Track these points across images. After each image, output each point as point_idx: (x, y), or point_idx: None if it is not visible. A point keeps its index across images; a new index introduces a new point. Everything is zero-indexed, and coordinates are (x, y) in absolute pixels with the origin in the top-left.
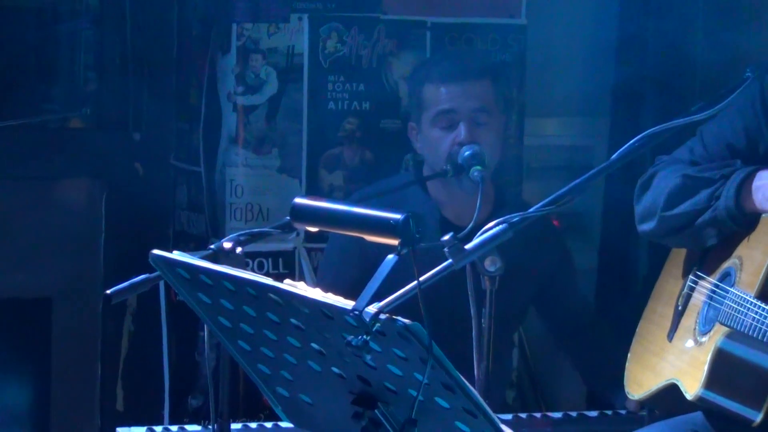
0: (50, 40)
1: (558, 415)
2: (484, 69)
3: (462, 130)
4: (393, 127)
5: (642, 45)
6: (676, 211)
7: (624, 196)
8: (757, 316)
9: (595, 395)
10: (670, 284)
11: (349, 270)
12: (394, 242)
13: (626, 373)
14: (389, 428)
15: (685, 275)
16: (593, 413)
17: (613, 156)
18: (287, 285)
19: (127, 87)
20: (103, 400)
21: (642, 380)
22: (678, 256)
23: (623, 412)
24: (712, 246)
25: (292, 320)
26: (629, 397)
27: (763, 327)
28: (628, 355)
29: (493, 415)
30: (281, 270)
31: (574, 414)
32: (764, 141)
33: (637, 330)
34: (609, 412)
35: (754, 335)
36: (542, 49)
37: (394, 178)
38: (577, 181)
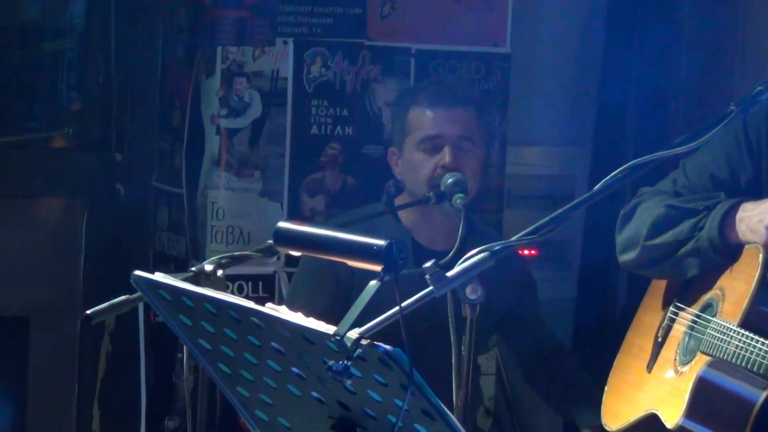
0: (34, 58)
1: None
2: (470, 97)
3: (446, 155)
4: (376, 153)
5: (625, 76)
6: (658, 240)
7: (604, 226)
8: (740, 344)
9: (570, 424)
10: (648, 317)
11: (320, 296)
12: (377, 268)
13: (603, 405)
14: None
15: (664, 307)
16: None
17: (596, 187)
18: (269, 309)
19: (110, 107)
20: (79, 420)
21: (619, 412)
22: (657, 289)
23: None
24: (693, 278)
25: (273, 344)
26: (606, 429)
27: (747, 354)
28: (605, 387)
29: None
30: (261, 293)
31: None
32: (746, 172)
33: (614, 363)
34: None
35: (738, 363)
36: (526, 78)
37: (369, 206)
38: (559, 211)
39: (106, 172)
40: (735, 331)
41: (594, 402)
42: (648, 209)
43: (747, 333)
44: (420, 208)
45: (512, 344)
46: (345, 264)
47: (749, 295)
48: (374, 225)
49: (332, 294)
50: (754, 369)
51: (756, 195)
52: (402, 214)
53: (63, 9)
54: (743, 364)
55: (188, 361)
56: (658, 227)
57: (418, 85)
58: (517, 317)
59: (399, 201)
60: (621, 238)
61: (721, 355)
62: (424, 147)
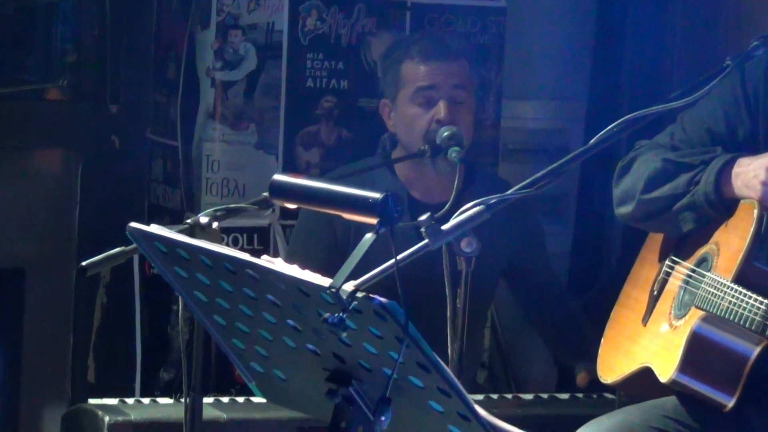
0: (28, 10)
1: (529, 396)
2: (462, 50)
3: (441, 109)
4: (371, 107)
5: (621, 30)
6: (655, 194)
7: (599, 180)
8: (733, 300)
9: (565, 372)
10: (645, 270)
11: (317, 252)
12: (373, 221)
13: (599, 357)
14: (363, 406)
15: (661, 261)
16: (564, 396)
17: (591, 141)
18: (265, 261)
19: (105, 59)
20: (74, 371)
21: (615, 365)
22: (654, 242)
23: (594, 395)
24: (689, 232)
25: (269, 296)
26: (602, 381)
27: (740, 310)
28: (602, 340)
29: (467, 396)
30: (256, 246)
31: (545, 396)
32: (744, 127)
33: (611, 315)
34: (580, 395)
35: (731, 318)
36: (521, 32)
37: (366, 159)
38: (554, 165)
39: (101, 124)
40: (728, 286)
41: (593, 351)
42: (645, 163)
43: (740, 289)
44: (415, 162)
45: (517, 288)
46: (341, 221)
47: (743, 250)
48: (370, 179)
49: (329, 250)
50: (747, 325)
51: (753, 150)
52: (397, 168)
53: None
54: (736, 320)
55: (183, 313)
56: (654, 181)
57: (409, 38)
58: (524, 263)
59: (395, 155)
60: (618, 191)
61: (714, 311)
62: (419, 100)
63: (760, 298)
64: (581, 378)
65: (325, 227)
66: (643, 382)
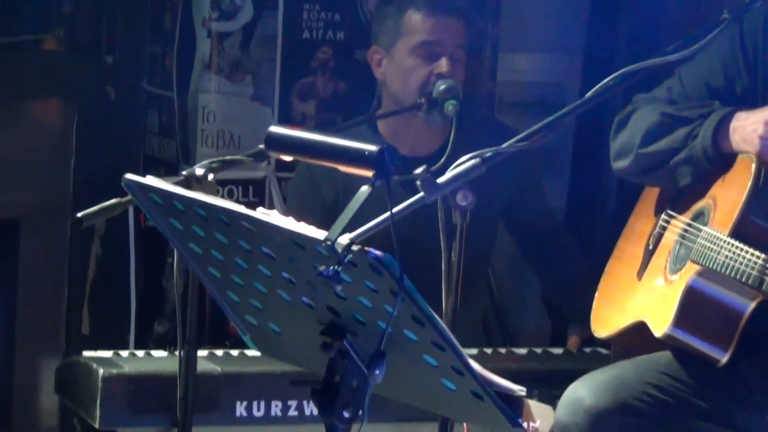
0: None
1: (523, 351)
2: (465, 8)
3: (444, 63)
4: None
5: None
6: (652, 148)
7: (594, 134)
8: (730, 254)
9: (559, 326)
10: (641, 224)
11: (308, 218)
12: (368, 173)
13: (593, 312)
14: (357, 359)
15: (656, 215)
16: (558, 350)
17: (588, 94)
18: (260, 213)
19: (101, 10)
20: (69, 323)
21: (608, 319)
22: (650, 196)
23: (588, 350)
24: (685, 186)
25: (264, 249)
26: (595, 335)
27: (736, 264)
28: (596, 294)
29: (461, 350)
30: (251, 198)
31: (538, 350)
32: (742, 81)
33: (605, 269)
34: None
35: (727, 273)
36: None
37: (355, 119)
38: (550, 118)
39: (96, 75)
40: (725, 240)
41: (587, 290)
42: (642, 116)
43: (737, 243)
44: (402, 116)
45: (514, 226)
46: (328, 185)
47: (740, 204)
48: (354, 137)
49: (319, 214)
50: (743, 279)
51: (751, 103)
52: (381, 125)
53: None
54: (732, 274)
55: (178, 265)
56: (652, 135)
57: None
58: (522, 200)
59: (381, 112)
60: (615, 145)
61: (710, 265)
62: (421, 52)
63: (757, 252)
64: (572, 342)
65: (314, 194)
66: (636, 337)
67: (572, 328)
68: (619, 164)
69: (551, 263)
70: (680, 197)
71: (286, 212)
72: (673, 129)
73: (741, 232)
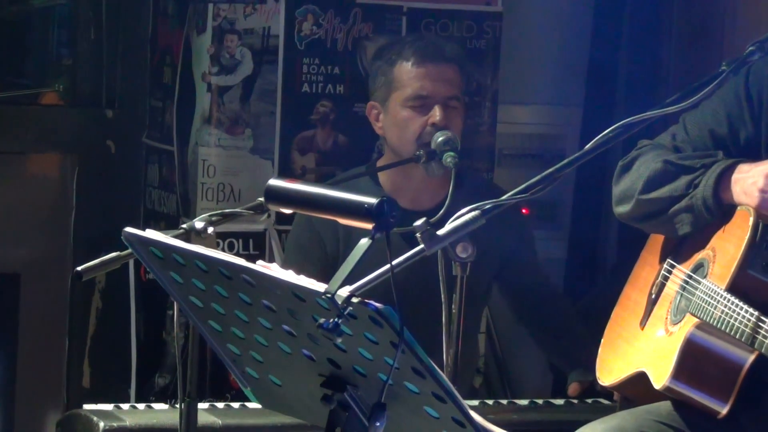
0: (24, 14)
1: (524, 402)
2: (456, 54)
3: (437, 113)
4: None
5: (616, 35)
6: (653, 195)
7: (595, 186)
8: (726, 309)
9: (560, 377)
10: (645, 271)
11: (309, 269)
12: (368, 226)
13: (598, 359)
14: (358, 411)
15: (660, 263)
16: (560, 401)
17: (587, 146)
18: (260, 266)
19: (101, 64)
20: (69, 376)
21: (612, 367)
22: (655, 244)
23: (589, 401)
24: (687, 235)
25: (264, 301)
26: (600, 383)
27: (731, 320)
28: (602, 340)
29: (462, 401)
30: (251, 251)
31: (540, 401)
32: (746, 130)
33: (611, 315)
34: (575, 401)
35: (723, 328)
36: (517, 36)
37: (354, 170)
38: (550, 170)
39: (96, 129)
40: (722, 295)
41: (585, 351)
42: (645, 163)
43: (732, 298)
44: (401, 169)
45: (509, 290)
46: (329, 235)
47: (738, 259)
48: (355, 189)
49: (321, 265)
50: (737, 336)
51: (755, 153)
52: (381, 177)
53: None
54: (727, 330)
55: (179, 318)
56: (653, 182)
57: (401, 40)
58: (514, 264)
59: (381, 163)
60: (617, 190)
61: (707, 319)
62: (414, 104)
63: (751, 310)
64: (572, 389)
65: (315, 243)
66: (638, 387)
67: (573, 374)
68: (620, 209)
69: (547, 328)
70: (682, 246)
71: (284, 262)
72: (675, 177)
73: (738, 286)
